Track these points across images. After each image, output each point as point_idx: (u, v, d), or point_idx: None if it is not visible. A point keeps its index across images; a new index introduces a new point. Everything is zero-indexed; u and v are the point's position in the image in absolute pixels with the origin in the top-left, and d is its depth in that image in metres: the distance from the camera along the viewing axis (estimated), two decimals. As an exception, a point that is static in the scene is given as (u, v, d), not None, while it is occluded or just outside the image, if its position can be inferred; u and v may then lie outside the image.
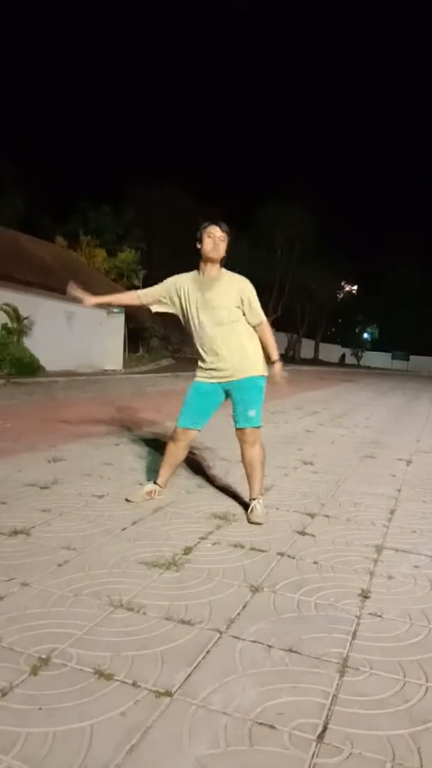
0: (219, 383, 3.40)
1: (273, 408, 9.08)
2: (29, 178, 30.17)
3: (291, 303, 41.93)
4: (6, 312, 14.07)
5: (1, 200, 27.12)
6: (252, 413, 3.36)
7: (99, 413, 7.82)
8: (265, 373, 3.41)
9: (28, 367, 13.44)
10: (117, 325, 19.72)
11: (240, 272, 3.51)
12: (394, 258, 49.72)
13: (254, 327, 3.41)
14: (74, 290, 3.45)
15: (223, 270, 3.38)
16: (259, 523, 3.27)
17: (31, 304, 14.82)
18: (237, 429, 3.42)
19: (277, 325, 43.83)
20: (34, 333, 14.79)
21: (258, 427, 3.40)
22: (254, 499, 3.41)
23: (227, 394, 3.44)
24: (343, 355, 52.98)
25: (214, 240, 3.27)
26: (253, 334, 3.41)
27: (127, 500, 3.54)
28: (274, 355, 3.48)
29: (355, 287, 54.57)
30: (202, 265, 3.35)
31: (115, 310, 19.26)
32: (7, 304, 14.10)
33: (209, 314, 3.31)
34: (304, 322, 46.22)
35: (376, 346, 56.18)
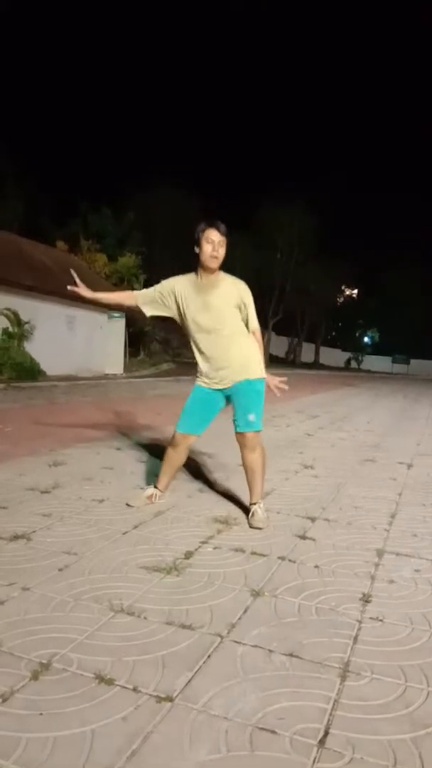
0: (219, 389, 3.39)
1: (274, 411, 9.07)
2: (30, 182, 30.26)
3: (291, 306, 41.96)
4: (7, 316, 14.09)
5: (2, 204, 27.20)
6: (252, 417, 3.34)
7: (100, 417, 7.83)
8: (264, 376, 3.40)
9: (29, 372, 13.46)
10: (118, 329, 19.76)
11: (241, 274, 3.49)
12: (394, 261, 49.72)
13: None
14: (75, 277, 3.42)
15: (222, 273, 3.33)
16: (260, 528, 3.27)
17: (32, 309, 14.86)
18: (237, 433, 3.41)
19: (277, 329, 43.98)
20: (34, 337, 14.83)
21: (258, 431, 3.40)
22: (255, 504, 3.40)
23: (227, 399, 3.43)
24: (349, 359, 52.88)
25: (214, 245, 3.16)
26: (251, 337, 3.39)
27: (127, 505, 3.53)
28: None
29: (355, 291, 54.60)
30: (200, 269, 3.28)
31: (116, 314, 19.30)
32: (8, 309, 14.13)
33: (209, 317, 3.27)
34: (304, 325, 46.25)
35: (376, 349, 56.18)
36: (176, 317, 3.43)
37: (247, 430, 3.36)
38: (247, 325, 3.38)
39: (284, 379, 3.57)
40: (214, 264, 3.21)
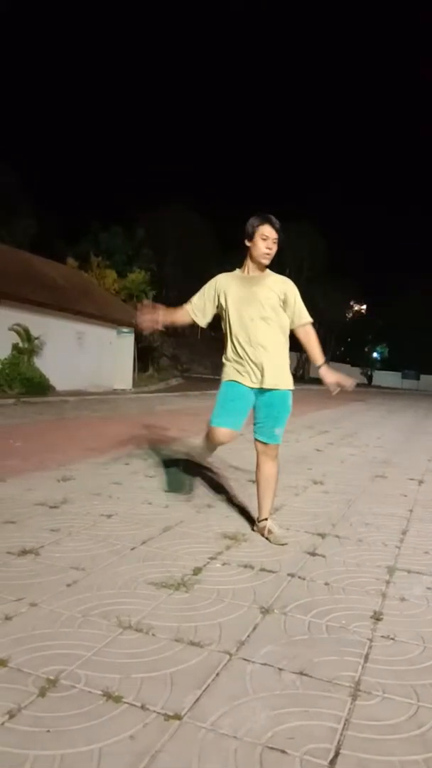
0: (251, 388, 3.25)
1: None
2: (41, 200, 30.77)
3: (300, 322, 42.05)
4: (17, 332, 14.20)
5: (15, 223, 27.59)
6: (278, 431, 3.30)
7: (108, 432, 7.83)
8: (293, 387, 3.33)
9: (39, 387, 13.51)
10: (127, 344, 19.84)
11: None
12: (404, 277, 49.84)
13: (299, 328, 3.31)
14: (148, 304, 3.40)
15: (269, 271, 3.29)
16: (285, 544, 3.23)
17: (42, 324, 14.97)
18: (259, 442, 3.33)
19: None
20: (44, 353, 14.91)
21: (278, 444, 3.36)
22: (266, 519, 3.36)
23: (256, 398, 3.29)
24: (368, 373, 52.42)
25: (268, 243, 3.12)
26: (288, 343, 3.33)
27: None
28: (320, 358, 3.31)
29: (364, 307, 54.65)
30: (248, 262, 3.23)
31: (125, 330, 19.39)
32: (19, 324, 14.24)
33: (255, 309, 3.18)
34: (313, 341, 46.24)
35: (386, 365, 56.00)
36: (221, 313, 3.35)
37: (271, 443, 3.32)
38: (296, 322, 3.29)
39: (351, 382, 3.38)
40: (267, 260, 3.18)
